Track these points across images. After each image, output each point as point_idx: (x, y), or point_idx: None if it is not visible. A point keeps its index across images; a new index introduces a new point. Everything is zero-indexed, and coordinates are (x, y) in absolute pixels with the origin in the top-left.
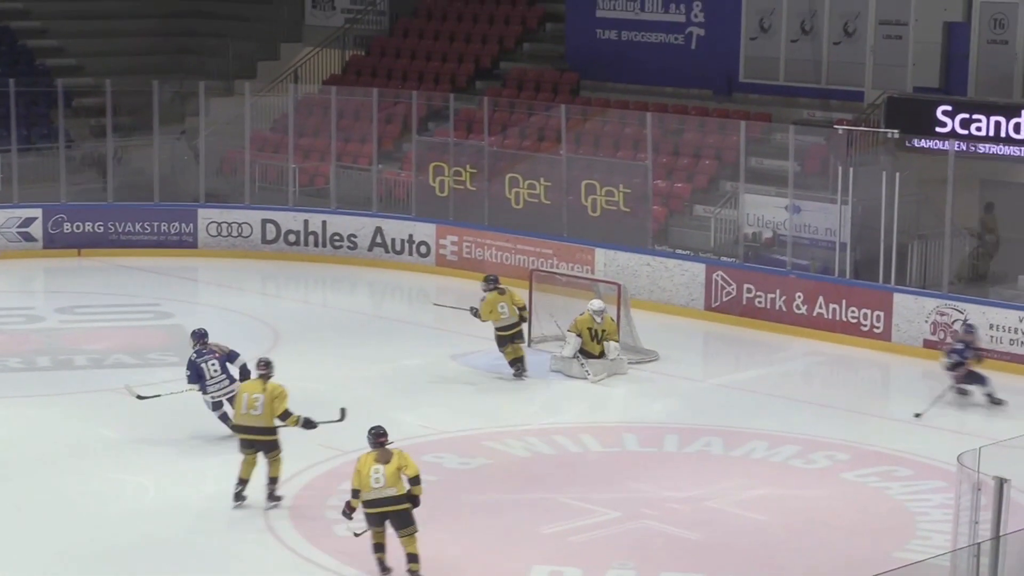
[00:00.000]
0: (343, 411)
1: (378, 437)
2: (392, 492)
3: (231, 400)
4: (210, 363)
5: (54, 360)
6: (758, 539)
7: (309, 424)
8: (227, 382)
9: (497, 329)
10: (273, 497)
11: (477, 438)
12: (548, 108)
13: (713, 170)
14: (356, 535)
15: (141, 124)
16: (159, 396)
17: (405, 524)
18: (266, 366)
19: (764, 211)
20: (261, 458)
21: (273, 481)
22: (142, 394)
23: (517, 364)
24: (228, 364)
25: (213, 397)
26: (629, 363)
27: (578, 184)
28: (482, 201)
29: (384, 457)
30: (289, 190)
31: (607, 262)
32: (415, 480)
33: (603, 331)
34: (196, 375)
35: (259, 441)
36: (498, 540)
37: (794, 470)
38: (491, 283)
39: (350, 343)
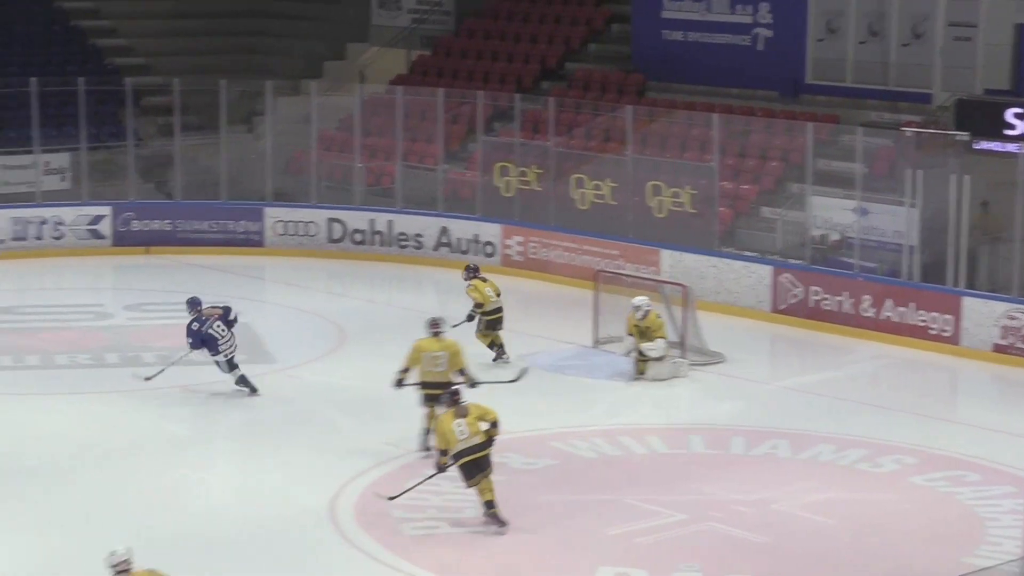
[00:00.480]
0: (524, 371)
1: (454, 396)
2: (477, 440)
3: (229, 361)
4: (215, 326)
5: (123, 357)
6: (825, 543)
7: (476, 384)
8: (232, 338)
9: (486, 314)
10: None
11: (543, 439)
12: (614, 109)
13: (780, 172)
14: (390, 499)
15: (208, 123)
16: (163, 371)
17: (487, 467)
18: (437, 324)
19: (831, 213)
20: None
21: None
22: (147, 375)
23: (500, 348)
24: (228, 321)
25: (226, 355)
26: (693, 365)
27: (644, 185)
28: (548, 202)
29: (462, 412)
30: (355, 189)
31: (673, 263)
32: (495, 423)
33: (647, 328)
34: (201, 341)
35: (441, 395)
36: (564, 541)
37: (861, 474)
38: (472, 272)
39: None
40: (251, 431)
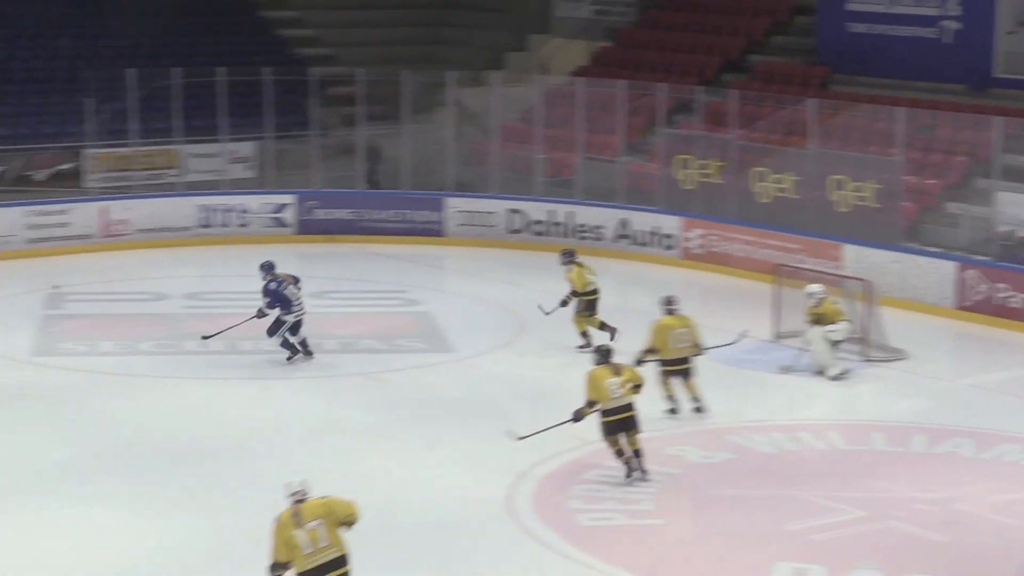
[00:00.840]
0: (743, 334)
1: (607, 355)
2: (628, 400)
3: (296, 325)
4: (289, 288)
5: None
6: (1009, 544)
7: (703, 351)
8: (302, 304)
9: (584, 295)
10: (700, 410)
11: (720, 432)
12: (797, 102)
13: (966, 167)
14: (519, 439)
15: (391, 113)
16: (224, 331)
17: (637, 427)
18: (672, 302)
19: (1019, 209)
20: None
21: (696, 399)
22: (207, 335)
23: (589, 333)
24: (298, 286)
25: (295, 316)
26: (875, 361)
27: (826, 179)
28: (728, 194)
29: (616, 370)
30: (536, 180)
31: (857, 258)
32: (639, 387)
33: (823, 315)
34: (277, 301)
35: (684, 369)
36: (740, 535)
37: None
38: (568, 256)
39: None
40: (431, 420)
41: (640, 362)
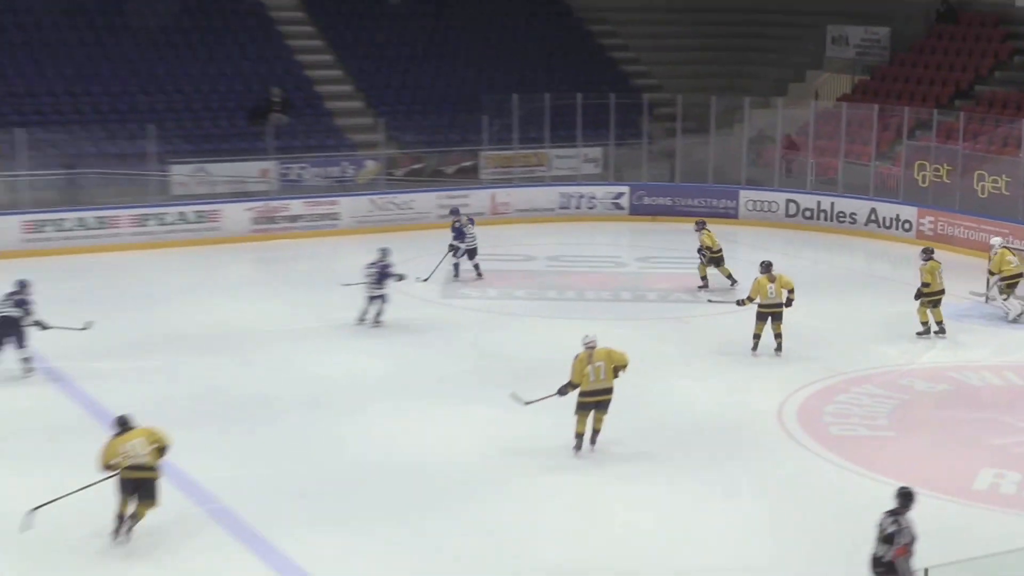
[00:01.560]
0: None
1: (769, 267)
2: (779, 300)
3: (471, 250)
4: (467, 227)
5: (633, 295)
6: None
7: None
8: (475, 237)
9: (712, 252)
10: (943, 331)
11: (942, 369)
12: (1012, 121)
13: None
14: (711, 301)
15: (701, 127)
16: (437, 267)
17: (781, 319)
18: (931, 251)
19: None
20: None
21: (940, 323)
22: (421, 277)
23: (732, 277)
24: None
25: (467, 245)
26: None
27: None
28: (955, 191)
29: (772, 278)
30: (807, 178)
31: None
32: (792, 290)
33: (995, 263)
34: (458, 235)
35: (940, 299)
36: (954, 446)
37: None
38: (701, 224)
39: (846, 292)
40: (724, 353)
41: (918, 296)
